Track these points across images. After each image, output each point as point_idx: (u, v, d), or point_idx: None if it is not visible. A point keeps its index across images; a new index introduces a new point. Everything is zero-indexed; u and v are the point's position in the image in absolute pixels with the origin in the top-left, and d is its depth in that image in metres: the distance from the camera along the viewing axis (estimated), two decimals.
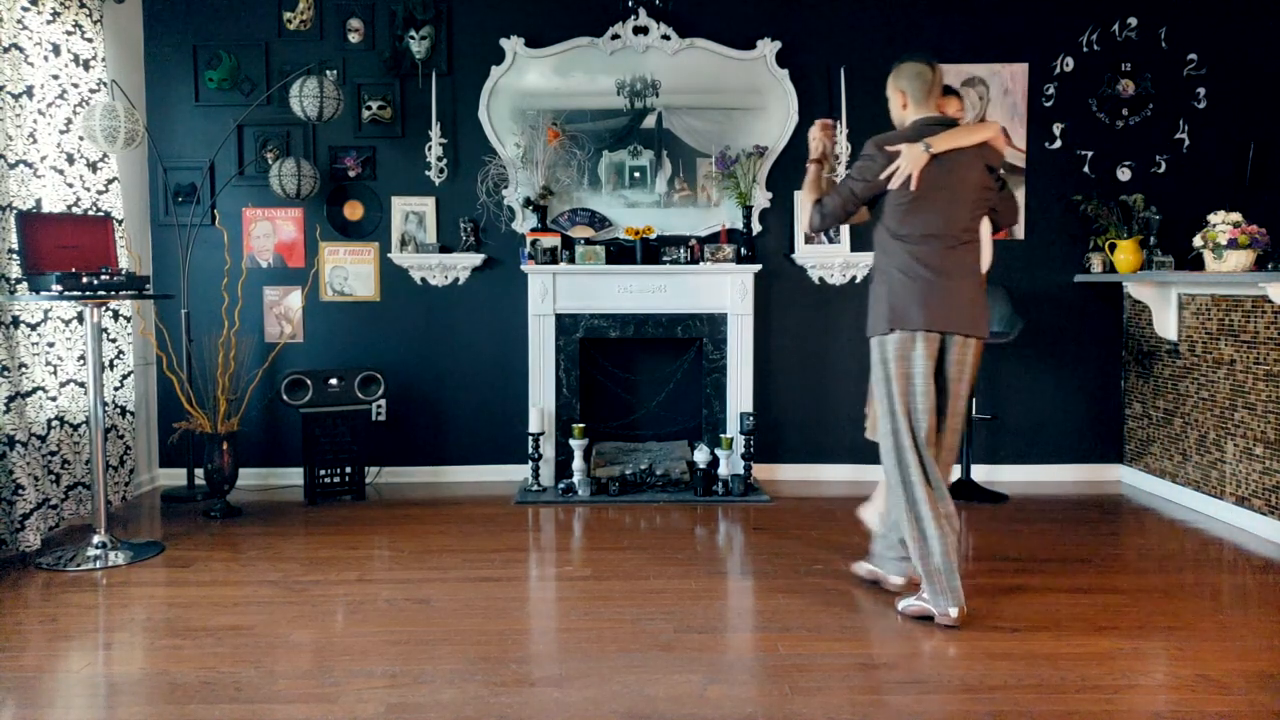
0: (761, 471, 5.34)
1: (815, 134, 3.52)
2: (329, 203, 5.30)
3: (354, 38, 5.25)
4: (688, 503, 4.85)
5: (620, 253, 5.20)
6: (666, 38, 5.21)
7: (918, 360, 3.19)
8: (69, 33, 4.48)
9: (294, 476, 5.21)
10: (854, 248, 5.25)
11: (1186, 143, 5.30)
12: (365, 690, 2.69)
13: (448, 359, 5.37)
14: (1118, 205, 5.18)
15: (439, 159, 5.25)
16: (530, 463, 5.05)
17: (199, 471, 4.99)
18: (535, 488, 5.03)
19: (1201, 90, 5.28)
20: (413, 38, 5.19)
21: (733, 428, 5.12)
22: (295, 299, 5.31)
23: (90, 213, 4.54)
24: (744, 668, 2.88)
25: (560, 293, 5.14)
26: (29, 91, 4.19)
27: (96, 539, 3.93)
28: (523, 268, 5.13)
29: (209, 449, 4.67)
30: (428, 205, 5.30)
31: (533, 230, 5.17)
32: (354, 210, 5.33)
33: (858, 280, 5.30)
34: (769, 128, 5.25)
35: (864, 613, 3.31)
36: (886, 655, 2.93)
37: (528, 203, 5.19)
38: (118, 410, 4.78)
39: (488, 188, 5.23)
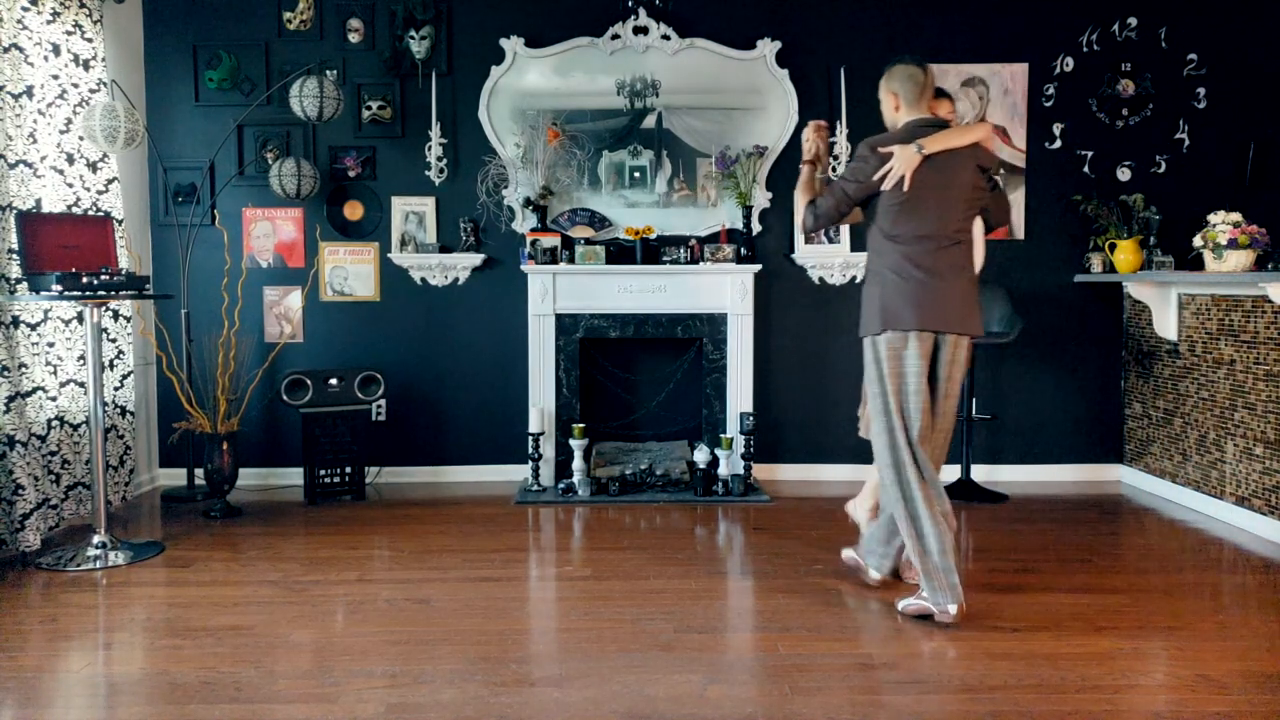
0: (761, 471, 5.34)
1: (809, 135, 3.55)
2: (329, 203, 5.30)
3: (354, 38, 5.25)
4: (688, 503, 4.85)
5: (620, 253, 5.20)
6: (666, 38, 5.21)
7: (910, 360, 3.22)
8: (69, 33, 4.48)
9: (294, 476, 5.21)
10: (854, 248, 5.25)
11: (1186, 143, 5.30)
12: (365, 690, 2.69)
13: (448, 359, 5.37)
14: (1118, 205, 5.18)
15: (439, 159, 5.25)
16: (530, 463, 5.05)
17: (199, 471, 4.99)
18: (535, 488, 5.03)
19: (1201, 90, 5.28)
20: (413, 38, 5.19)
21: (733, 428, 5.12)
22: (295, 299, 5.31)
23: (90, 213, 4.54)
24: (744, 668, 2.88)
25: (560, 293, 5.14)
26: (29, 91, 4.19)
27: (96, 539, 3.93)
28: (523, 268, 5.13)
29: (209, 449, 4.67)
30: (428, 205, 5.30)
31: (533, 230, 5.17)
32: (354, 210, 5.33)
33: (858, 280, 5.30)
34: (769, 128, 5.25)
35: (864, 613, 3.31)
36: (886, 655, 2.93)
37: (528, 203, 5.19)
38: (118, 410, 4.78)
39: (488, 188, 5.23)
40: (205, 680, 2.76)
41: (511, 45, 5.22)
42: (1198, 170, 5.30)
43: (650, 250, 5.18)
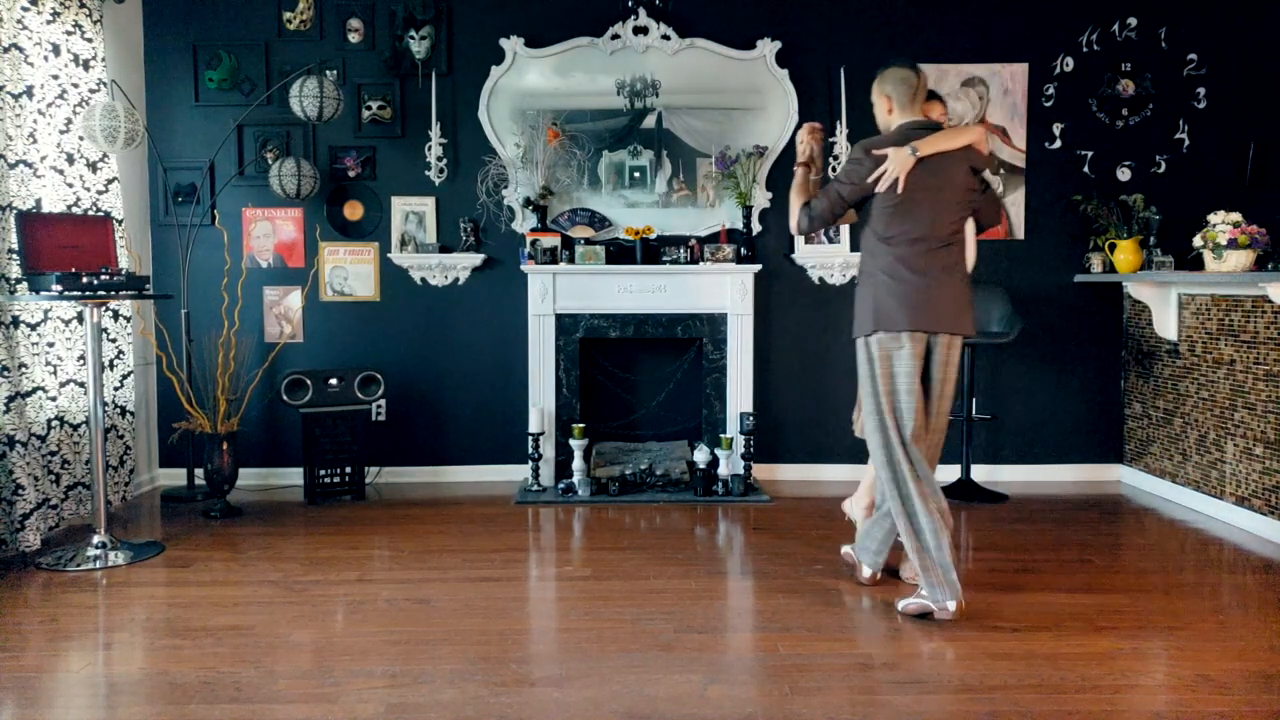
0: (761, 471, 5.34)
1: (803, 137, 3.60)
2: (329, 203, 5.30)
3: (354, 38, 5.25)
4: (688, 503, 4.85)
5: (620, 253, 5.20)
6: (666, 38, 5.21)
7: (903, 360, 3.25)
8: (69, 33, 4.47)
9: (294, 476, 5.21)
10: (854, 248, 5.25)
11: (1186, 143, 5.30)
12: (365, 690, 2.69)
13: (447, 359, 5.36)
14: (1118, 205, 5.18)
15: (439, 159, 5.25)
16: (530, 463, 5.05)
17: (199, 471, 4.99)
18: (535, 488, 5.03)
19: (1201, 90, 5.28)
20: (413, 38, 5.19)
21: (733, 428, 5.12)
22: (295, 299, 5.31)
23: (90, 213, 4.54)
24: (744, 668, 2.88)
25: (560, 293, 5.14)
26: (29, 91, 4.19)
27: (96, 539, 3.93)
28: (523, 268, 5.13)
29: (209, 449, 4.67)
30: (428, 205, 5.30)
31: (533, 230, 5.17)
32: (354, 210, 5.33)
33: (857, 281, 5.29)
34: (769, 128, 5.25)
35: (864, 613, 3.31)
36: (886, 655, 2.93)
37: (528, 203, 5.19)
38: (118, 410, 4.78)
39: (488, 188, 5.23)
40: (205, 680, 2.76)
41: (511, 45, 5.22)
42: (1198, 170, 5.30)
43: (650, 250, 5.18)
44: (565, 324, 5.17)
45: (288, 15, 5.23)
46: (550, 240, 5.08)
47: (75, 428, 4.39)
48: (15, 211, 3.91)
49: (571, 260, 5.10)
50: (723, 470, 4.96)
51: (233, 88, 5.24)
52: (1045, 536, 4.26)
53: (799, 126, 5.16)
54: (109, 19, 4.85)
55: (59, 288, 3.74)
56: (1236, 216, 4.24)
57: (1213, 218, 4.30)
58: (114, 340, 4.78)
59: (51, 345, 4.29)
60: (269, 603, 3.42)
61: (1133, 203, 5.17)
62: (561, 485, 4.99)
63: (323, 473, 4.97)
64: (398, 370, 5.31)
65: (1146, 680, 2.76)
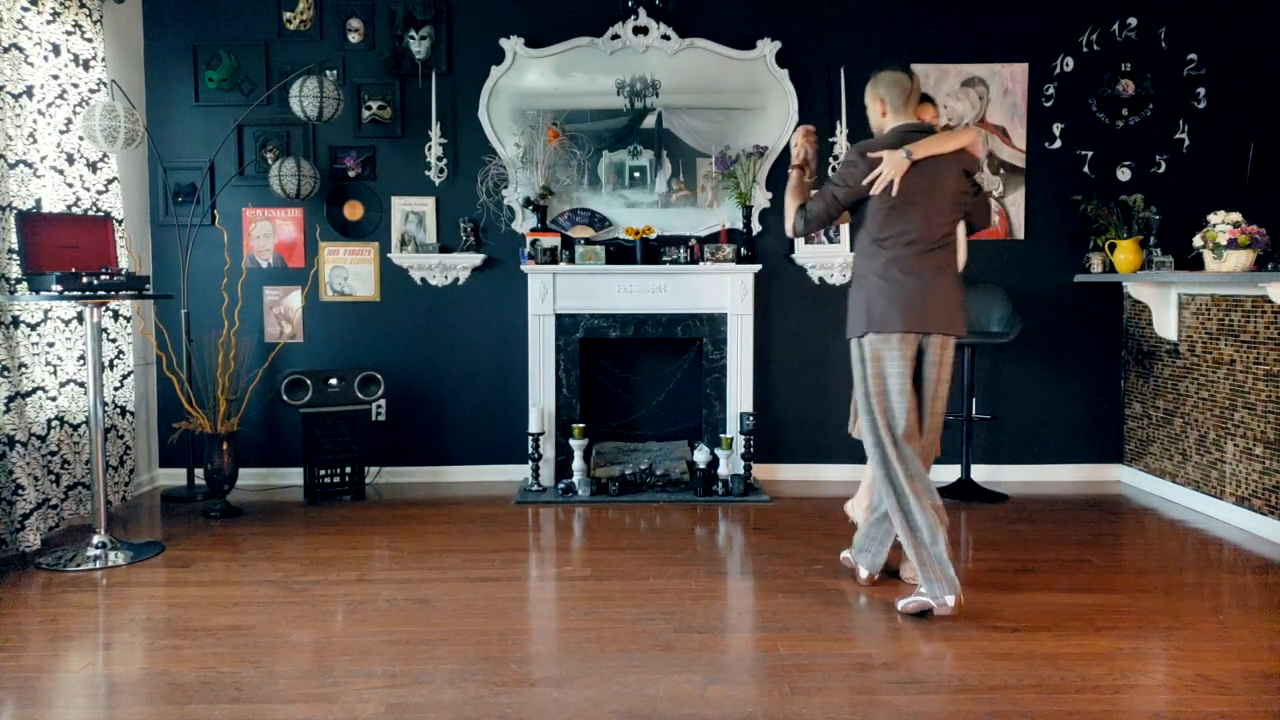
0: (761, 471, 5.34)
1: (798, 140, 3.63)
2: (329, 203, 5.30)
3: (354, 38, 5.25)
4: (688, 503, 4.85)
5: (620, 253, 5.20)
6: (666, 38, 5.20)
7: (896, 360, 3.29)
8: (69, 33, 4.47)
9: (294, 476, 5.21)
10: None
11: (1186, 143, 5.30)
12: (365, 690, 2.69)
13: (447, 359, 5.36)
14: (1118, 205, 5.18)
15: (439, 159, 5.25)
16: (530, 463, 5.05)
17: (199, 471, 4.99)
18: (535, 488, 5.03)
19: (1201, 90, 5.28)
20: (413, 38, 5.19)
21: (732, 428, 5.12)
22: (295, 299, 5.31)
23: (90, 213, 4.54)
24: (744, 668, 2.88)
25: (560, 293, 5.14)
26: (29, 91, 4.19)
27: (96, 539, 3.93)
28: (523, 268, 5.13)
29: (209, 449, 4.67)
30: (428, 205, 5.30)
31: (533, 230, 5.17)
32: (354, 210, 5.33)
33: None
34: (769, 128, 5.25)
35: (864, 613, 3.31)
36: (886, 655, 2.93)
37: (528, 203, 5.19)
38: (118, 410, 4.78)
39: (488, 188, 5.23)
40: (205, 680, 2.76)
41: (511, 45, 5.22)
42: (1198, 170, 5.30)
43: (650, 250, 5.18)
44: (565, 324, 5.17)
45: (288, 15, 5.23)
46: (550, 240, 5.08)
47: (75, 428, 4.39)
48: (15, 211, 3.91)
49: (571, 260, 5.10)
50: (723, 470, 4.96)
51: (233, 88, 5.24)
52: (1045, 536, 4.26)
53: (799, 127, 5.19)
54: (109, 19, 4.85)
55: (59, 288, 3.74)
56: (1236, 216, 4.24)
57: (1213, 218, 4.30)
58: (114, 340, 4.78)
59: (51, 345, 4.29)
60: (269, 603, 3.42)
61: (1133, 203, 5.17)
62: (561, 485, 4.99)
63: (323, 473, 4.97)
64: (398, 370, 5.31)
65: (1146, 680, 2.76)
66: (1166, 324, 4.91)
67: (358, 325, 5.34)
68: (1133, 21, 5.27)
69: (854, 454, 5.20)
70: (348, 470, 5.01)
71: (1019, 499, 4.96)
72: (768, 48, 5.22)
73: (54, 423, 4.25)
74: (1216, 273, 4.27)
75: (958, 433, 5.07)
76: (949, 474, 5.06)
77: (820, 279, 5.34)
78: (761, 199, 5.27)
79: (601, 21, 5.22)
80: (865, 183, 3.28)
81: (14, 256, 3.98)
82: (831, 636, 3.08)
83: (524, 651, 2.99)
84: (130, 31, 5.15)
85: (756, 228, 5.27)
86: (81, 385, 4.41)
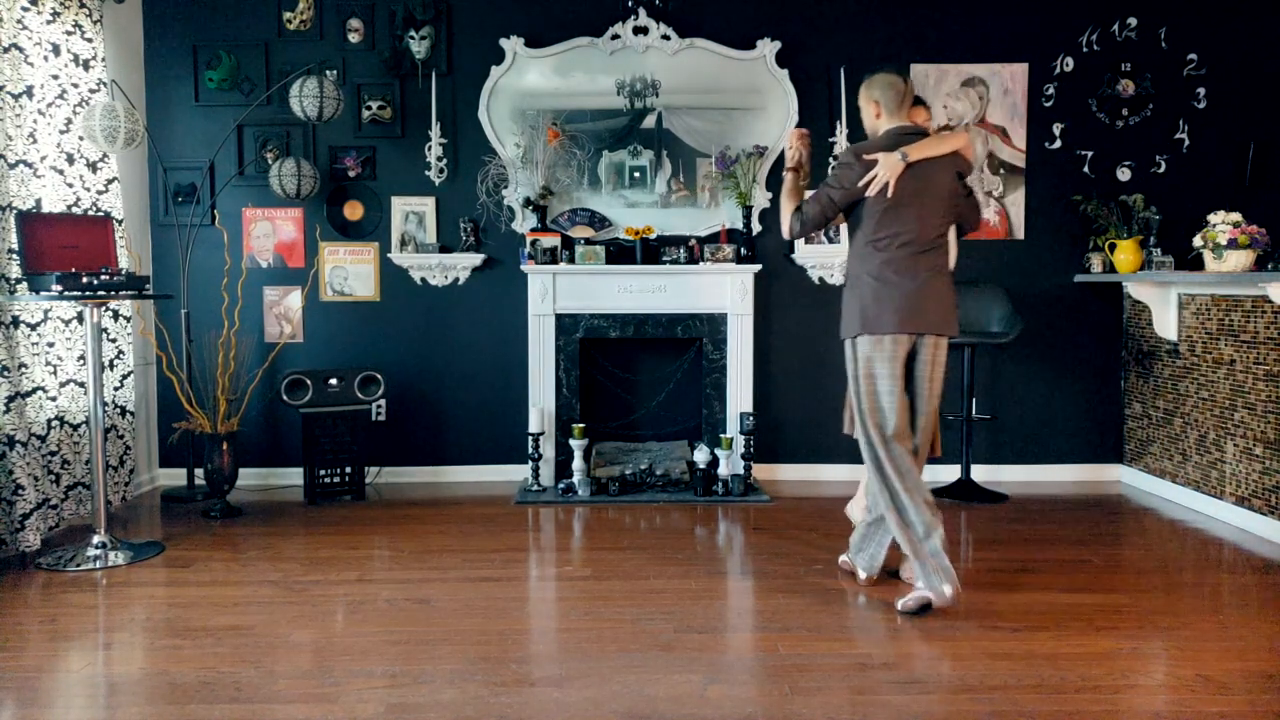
0: (761, 471, 5.34)
1: (792, 142, 3.64)
2: (329, 203, 5.30)
3: (354, 38, 5.25)
4: (688, 503, 4.85)
5: (620, 253, 5.20)
6: (666, 38, 5.20)
7: (888, 361, 3.32)
8: (69, 33, 4.47)
9: (294, 476, 5.21)
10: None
11: (1186, 143, 5.30)
12: (365, 690, 2.69)
13: (447, 359, 5.36)
14: (1118, 205, 5.18)
15: (439, 159, 5.25)
16: (530, 463, 5.05)
17: (199, 471, 4.99)
18: (535, 488, 5.03)
19: (1201, 90, 5.28)
20: (413, 38, 5.19)
21: (732, 428, 5.12)
22: (295, 299, 5.31)
23: (90, 213, 4.54)
24: (744, 668, 2.88)
25: (560, 293, 5.14)
26: (29, 91, 4.19)
27: (96, 539, 3.93)
28: (523, 268, 5.13)
29: (209, 449, 4.67)
30: (428, 205, 5.30)
31: (533, 230, 5.17)
32: (354, 210, 5.33)
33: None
34: (769, 128, 5.25)
35: (864, 613, 3.31)
36: (886, 655, 2.93)
37: (528, 203, 5.19)
38: (118, 410, 4.78)
39: (488, 188, 5.23)
40: (205, 680, 2.76)
41: (511, 45, 5.21)
42: (1198, 170, 5.30)
43: (650, 250, 5.18)
44: (565, 324, 5.17)
45: (288, 15, 5.23)
46: (550, 240, 5.08)
47: (75, 428, 4.39)
48: (15, 211, 3.91)
49: (571, 260, 5.10)
50: (723, 470, 4.96)
51: (233, 88, 5.24)
52: (1045, 536, 4.26)
53: (799, 126, 5.19)
54: (109, 19, 4.85)
55: (59, 288, 3.74)
56: (1236, 216, 4.24)
57: (1213, 218, 4.30)
58: (114, 340, 4.78)
59: (51, 345, 4.29)
60: (269, 603, 3.42)
61: (1133, 203, 5.17)
62: (561, 485, 4.99)
63: (323, 473, 4.97)
64: (398, 370, 5.31)
65: (1146, 680, 2.76)
66: (1166, 324, 4.91)
67: (358, 325, 5.34)
68: (1133, 21, 5.27)
69: (853, 454, 5.16)
70: (348, 470, 5.01)
71: (1019, 499, 4.96)
72: (768, 48, 5.22)
73: (54, 423, 4.25)
74: (1216, 273, 4.27)
75: (958, 433, 5.07)
76: (949, 474, 5.06)
77: (820, 279, 5.34)
78: (761, 199, 5.27)
79: (601, 21, 5.22)
80: (861, 185, 3.30)
81: (14, 256, 3.98)
82: (831, 636, 3.08)
83: (524, 651, 2.99)
84: (130, 31, 5.15)
85: (756, 228, 5.27)
86: (81, 385, 4.41)
